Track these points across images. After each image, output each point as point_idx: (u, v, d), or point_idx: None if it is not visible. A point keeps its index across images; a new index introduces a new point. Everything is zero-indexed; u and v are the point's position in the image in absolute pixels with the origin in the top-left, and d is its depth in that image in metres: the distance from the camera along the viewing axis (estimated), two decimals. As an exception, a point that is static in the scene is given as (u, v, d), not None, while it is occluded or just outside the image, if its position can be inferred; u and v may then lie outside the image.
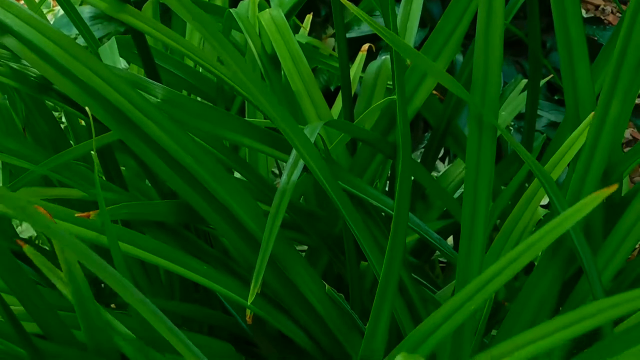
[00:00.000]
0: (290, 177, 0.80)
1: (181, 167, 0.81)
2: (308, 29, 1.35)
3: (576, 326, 0.60)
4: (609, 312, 0.59)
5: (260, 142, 0.86)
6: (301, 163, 0.81)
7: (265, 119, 0.96)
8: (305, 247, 1.04)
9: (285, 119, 0.78)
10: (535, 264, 0.90)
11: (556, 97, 1.73)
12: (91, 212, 0.75)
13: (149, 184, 0.98)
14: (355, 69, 1.22)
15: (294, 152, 0.82)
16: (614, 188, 0.63)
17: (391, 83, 1.10)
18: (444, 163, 1.70)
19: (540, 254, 0.85)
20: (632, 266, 0.90)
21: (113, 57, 0.97)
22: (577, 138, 0.85)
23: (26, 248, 0.71)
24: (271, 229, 0.77)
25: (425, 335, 0.67)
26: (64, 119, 1.04)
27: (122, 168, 0.99)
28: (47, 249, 1.03)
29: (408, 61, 0.92)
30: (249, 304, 0.77)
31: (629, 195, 0.93)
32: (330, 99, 1.26)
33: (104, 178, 0.93)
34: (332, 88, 1.71)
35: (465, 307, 0.64)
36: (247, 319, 0.86)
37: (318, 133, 0.86)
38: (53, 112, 0.99)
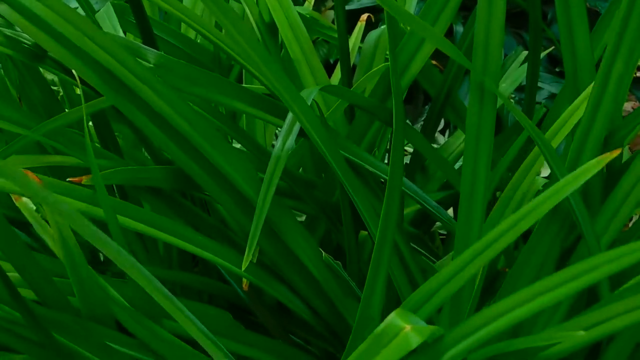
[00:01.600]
0: (285, 142, 0.80)
1: (176, 133, 0.80)
2: (312, 2, 1.34)
3: (576, 281, 0.59)
4: (608, 267, 0.59)
5: (256, 107, 0.85)
6: (296, 128, 0.80)
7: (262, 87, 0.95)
8: (304, 218, 1.04)
9: (282, 81, 0.78)
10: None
11: (557, 69, 1.72)
12: (83, 177, 0.74)
13: (146, 154, 0.97)
14: (354, 39, 1.21)
15: (289, 116, 0.81)
16: (616, 153, 0.63)
17: (390, 52, 1.09)
18: (444, 136, 1.69)
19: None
20: (627, 236, 0.89)
21: (113, 24, 0.96)
22: (579, 106, 0.84)
23: (19, 203, 0.70)
24: (266, 193, 0.76)
25: (423, 300, 0.66)
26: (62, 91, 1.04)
27: (118, 137, 0.99)
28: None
29: (406, 27, 0.91)
30: (242, 270, 0.76)
31: (627, 162, 0.92)
32: (330, 72, 1.25)
33: (98, 145, 0.92)
34: (331, 60, 1.70)
35: (464, 272, 0.64)
36: (244, 286, 0.85)
37: (315, 100, 0.86)
38: (52, 87, 0.99)
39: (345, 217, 0.92)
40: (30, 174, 0.68)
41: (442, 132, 1.71)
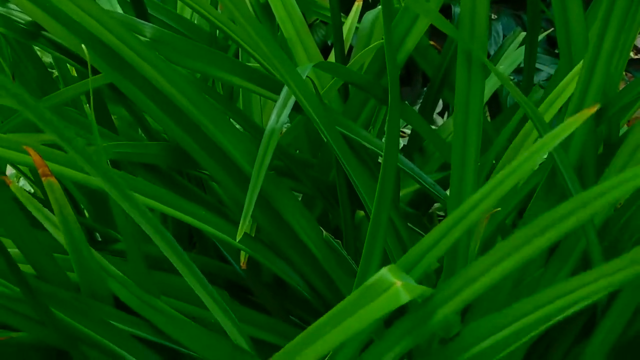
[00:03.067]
0: (279, 116, 0.80)
1: (174, 110, 0.80)
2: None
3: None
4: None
5: (252, 82, 0.85)
6: (291, 102, 0.80)
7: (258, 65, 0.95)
8: (300, 198, 1.04)
9: (277, 56, 0.78)
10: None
11: (556, 51, 1.71)
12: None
13: (142, 134, 0.97)
14: (350, 20, 1.21)
15: (284, 90, 0.81)
16: (594, 108, 0.63)
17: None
18: (442, 118, 1.69)
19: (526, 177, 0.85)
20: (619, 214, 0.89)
21: (110, 1, 0.96)
22: (571, 80, 0.84)
23: (12, 186, 0.70)
24: (261, 164, 0.76)
25: (415, 261, 0.66)
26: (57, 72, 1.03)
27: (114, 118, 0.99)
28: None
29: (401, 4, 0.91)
30: (237, 241, 0.76)
31: (622, 137, 0.92)
32: (327, 55, 1.25)
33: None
34: (329, 42, 1.69)
35: (454, 231, 0.63)
36: (242, 264, 0.86)
37: (310, 78, 0.86)
38: (49, 70, 0.99)
39: (342, 196, 0.92)
40: (30, 150, 0.68)
41: (441, 114, 1.71)
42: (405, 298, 0.54)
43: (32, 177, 1.09)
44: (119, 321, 0.76)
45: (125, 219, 0.76)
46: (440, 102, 1.68)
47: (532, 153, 0.60)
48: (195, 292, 0.73)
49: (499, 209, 0.83)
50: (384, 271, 0.57)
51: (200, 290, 0.73)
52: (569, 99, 0.84)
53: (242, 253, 0.86)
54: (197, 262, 0.95)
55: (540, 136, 0.78)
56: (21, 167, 1.11)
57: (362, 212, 1.02)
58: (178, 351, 0.78)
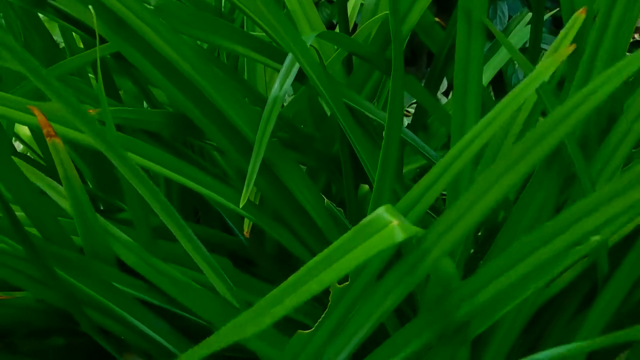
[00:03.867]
0: (283, 84, 0.80)
1: (178, 77, 0.80)
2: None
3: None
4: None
5: (256, 51, 0.85)
6: (294, 70, 0.81)
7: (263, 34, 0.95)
8: (304, 170, 1.04)
9: (283, 24, 0.78)
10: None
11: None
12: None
13: (147, 107, 0.97)
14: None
15: (288, 57, 0.81)
16: (572, 48, 0.63)
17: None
18: (447, 97, 1.69)
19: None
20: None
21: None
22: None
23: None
24: (264, 131, 0.77)
25: (411, 204, 0.66)
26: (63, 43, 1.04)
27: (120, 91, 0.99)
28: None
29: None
30: (240, 207, 0.76)
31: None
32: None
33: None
34: (334, 21, 1.70)
35: (448, 172, 0.64)
36: (245, 232, 0.86)
37: (314, 48, 0.86)
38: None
39: (345, 168, 0.92)
40: (36, 110, 0.69)
41: (445, 94, 1.71)
42: (400, 237, 0.54)
43: (32, 146, 1.09)
44: (122, 284, 0.77)
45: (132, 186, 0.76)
46: (445, 81, 1.68)
47: (514, 96, 0.60)
48: (190, 254, 0.74)
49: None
50: (381, 210, 0.56)
51: (193, 253, 0.74)
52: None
53: (246, 221, 0.86)
54: (200, 233, 0.96)
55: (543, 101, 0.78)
56: (23, 137, 1.12)
57: (366, 187, 1.03)
58: (179, 314, 0.78)
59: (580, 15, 0.79)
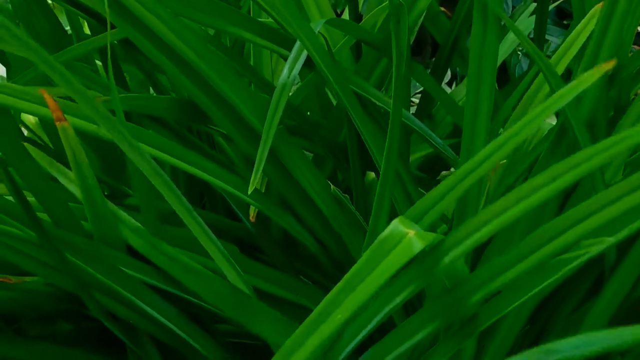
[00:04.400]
0: (291, 71, 0.80)
1: (185, 64, 0.80)
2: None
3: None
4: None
5: (263, 37, 0.86)
6: (303, 57, 0.81)
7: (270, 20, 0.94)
8: (311, 157, 1.04)
9: (290, 10, 0.78)
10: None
11: (565, 22, 1.72)
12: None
13: (153, 94, 0.98)
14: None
15: (296, 44, 0.81)
16: (612, 63, 0.63)
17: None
18: (450, 88, 1.69)
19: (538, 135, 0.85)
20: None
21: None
22: (580, 32, 0.84)
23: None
24: (272, 118, 0.77)
25: (423, 212, 0.66)
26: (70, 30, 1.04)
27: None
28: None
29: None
30: (249, 193, 0.77)
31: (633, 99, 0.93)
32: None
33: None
34: (338, 10, 1.70)
35: (462, 183, 0.64)
36: (251, 217, 0.86)
37: (322, 34, 0.86)
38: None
39: (352, 155, 0.92)
40: (45, 92, 0.69)
41: (449, 84, 1.71)
42: (418, 247, 0.55)
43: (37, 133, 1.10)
44: (131, 268, 0.77)
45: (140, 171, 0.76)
46: (449, 72, 1.68)
47: (549, 104, 0.60)
48: (199, 240, 0.74)
49: (505, 161, 0.83)
50: (395, 223, 0.58)
51: (203, 238, 0.74)
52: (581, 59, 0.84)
53: (252, 207, 0.86)
54: (206, 218, 0.96)
55: (552, 90, 0.78)
56: (28, 124, 1.12)
57: (372, 174, 1.03)
58: (187, 299, 0.78)
59: (598, 8, 0.79)
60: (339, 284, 0.55)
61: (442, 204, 0.64)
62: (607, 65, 0.62)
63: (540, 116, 0.61)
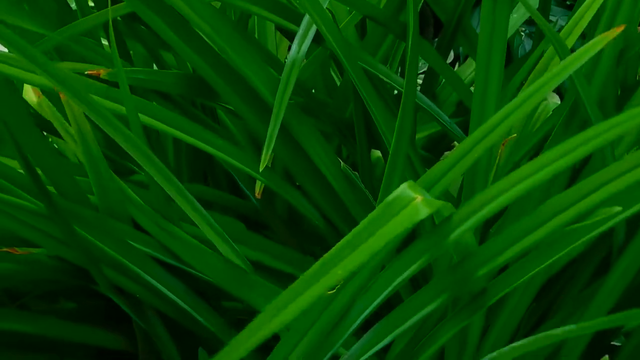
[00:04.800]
0: (300, 47, 0.79)
1: (193, 37, 0.80)
2: None
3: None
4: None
5: (270, 11, 0.85)
6: (312, 32, 0.80)
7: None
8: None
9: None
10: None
11: (568, 2, 1.71)
12: (102, 70, 0.74)
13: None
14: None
15: (305, 19, 0.81)
16: (621, 27, 0.62)
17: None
18: (453, 68, 1.69)
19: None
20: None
21: None
22: (586, 11, 0.84)
23: (42, 100, 0.70)
24: (283, 94, 0.76)
25: (434, 181, 0.66)
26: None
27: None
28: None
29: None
30: (260, 171, 0.76)
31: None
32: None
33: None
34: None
35: (473, 151, 0.63)
36: (257, 194, 0.86)
37: (330, 11, 0.85)
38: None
39: (359, 132, 0.92)
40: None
41: (451, 65, 1.70)
42: (424, 212, 0.54)
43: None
44: (137, 242, 0.77)
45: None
46: (452, 53, 1.67)
47: (566, 64, 0.59)
48: (186, 212, 0.74)
49: (515, 135, 0.83)
50: (404, 187, 0.56)
51: (190, 212, 0.74)
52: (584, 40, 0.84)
53: (258, 182, 0.86)
54: (211, 196, 0.95)
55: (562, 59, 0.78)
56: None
57: (377, 152, 1.02)
58: (193, 275, 0.78)
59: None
60: (341, 242, 0.54)
61: (452, 173, 0.63)
62: (619, 29, 0.61)
63: (558, 76, 0.60)
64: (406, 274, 0.66)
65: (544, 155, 0.61)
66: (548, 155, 0.60)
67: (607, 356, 0.76)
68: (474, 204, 0.62)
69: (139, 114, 0.76)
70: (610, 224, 0.64)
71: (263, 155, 0.75)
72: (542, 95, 0.60)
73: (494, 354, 0.68)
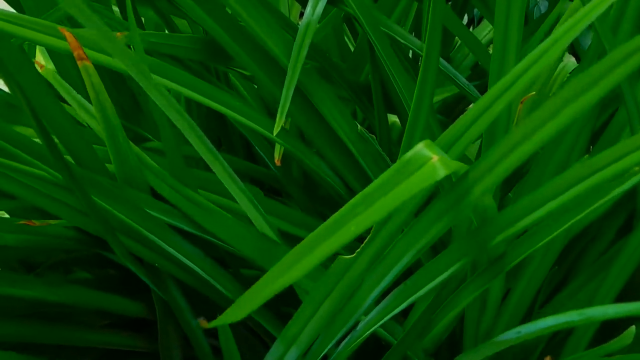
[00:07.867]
0: (315, 9, 0.78)
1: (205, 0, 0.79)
2: None
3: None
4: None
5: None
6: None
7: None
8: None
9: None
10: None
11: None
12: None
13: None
14: None
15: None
16: None
17: None
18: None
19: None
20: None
21: None
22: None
23: (45, 72, 0.69)
24: (297, 56, 0.75)
25: (452, 140, 0.64)
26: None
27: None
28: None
29: None
30: (274, 135, 0.75)
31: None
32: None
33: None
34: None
35: (493, 107, 0.61)
36: (276, 160, 0.85)
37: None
38: None
39: (376, 94, 0.90)
40: (65, 31, 0.67)
41: (467, 26, 1.68)
42: (442, 173, 0.52)
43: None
44: (156, 210, 0.76)
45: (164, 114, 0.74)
46: (465, 17, 1.65)
47: (584, 13, 0.57)
48: (223, 183, 0.73)
49: (534, 92, 0.81)
50: (420, 146, 0.54)
51: (227, 181, 0.72)
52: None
53: (277, 146, 0.84)
54: (228, 162, 0.94)
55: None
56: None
57: (393, 117, 1.01)
58: (212, 243, 0.77)
59: None
60: (355, 198, 0.52)
61: (472, 131, 0.61)
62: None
63: (582, 22, 0.58)
64: (428, 236, 0.65)
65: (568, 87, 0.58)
66: (564, 92, 0.57)
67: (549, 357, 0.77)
68: (492, 157, 0.60)
69: (154, 75, 0.75)
70: (633, 181, 0.62)
71: (278, 115, 0.74)
72: (567, 41, 0.57)
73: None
